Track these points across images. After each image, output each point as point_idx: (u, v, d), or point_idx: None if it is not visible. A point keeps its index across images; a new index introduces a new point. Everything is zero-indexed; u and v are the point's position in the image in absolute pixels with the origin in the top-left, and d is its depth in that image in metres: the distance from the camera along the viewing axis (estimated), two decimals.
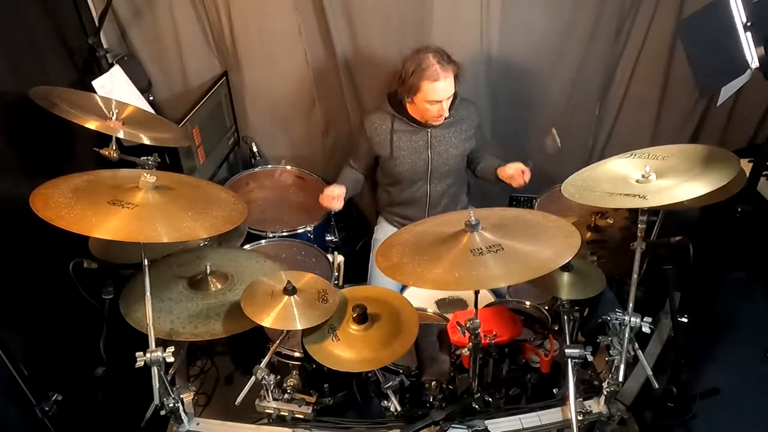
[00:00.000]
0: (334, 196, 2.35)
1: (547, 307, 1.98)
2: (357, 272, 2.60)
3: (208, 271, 1.80)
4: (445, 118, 2.37)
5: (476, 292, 1.56)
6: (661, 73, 2.67)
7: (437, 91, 2.20)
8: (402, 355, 1.63)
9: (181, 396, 1.57)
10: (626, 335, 1.54)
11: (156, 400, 1.47)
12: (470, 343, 1.60)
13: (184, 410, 1.60)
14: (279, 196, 2.88)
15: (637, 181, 1.58)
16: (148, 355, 1.44)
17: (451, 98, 2.29)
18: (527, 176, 2.30)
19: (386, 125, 2.41)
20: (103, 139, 1.87)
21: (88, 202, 1.44)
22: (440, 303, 2.28)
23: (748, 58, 1.54)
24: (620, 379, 1.57)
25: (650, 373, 1.57)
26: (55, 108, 1.77)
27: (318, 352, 1.62)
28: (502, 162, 2.43)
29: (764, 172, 1.74)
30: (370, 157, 2.53)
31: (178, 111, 2.47)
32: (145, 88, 2.55)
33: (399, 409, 1.67)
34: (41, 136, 1.98)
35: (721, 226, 1.71)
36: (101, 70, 2.28)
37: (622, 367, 1.55)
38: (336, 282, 2.36)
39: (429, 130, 2.39)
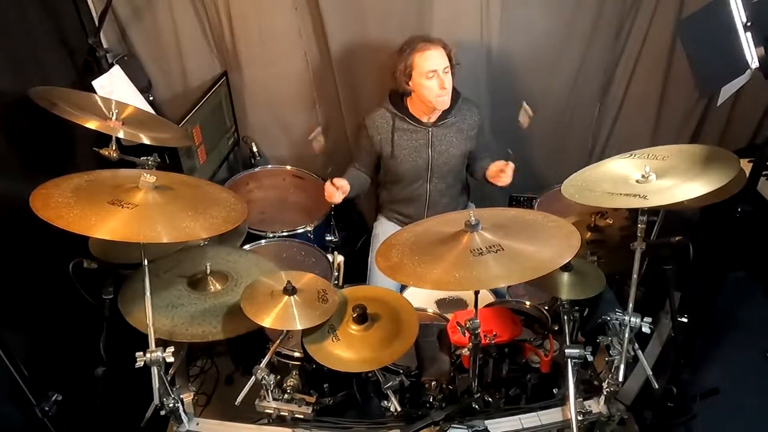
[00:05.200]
0: (337, 186, 2.29)
1: (547, 307, 1.98)
2: (357, 272, 2.60)
3: (208, 271, 1.80)
4: (447, 115, 2.36)
5: (476, 292, 1.56)
6: (661, 73, 2.67)
7: (429, 59, 2.19)
8: (402, 355, 1.63)
9: (181, 396, 1.57)
10: (626, 335, 1.54)
11: (156, 400, 1.47)
12: (470, 343, 1.60)
13: (184, 410, 1.60)
14: (279, 196, 2.88)
15: (637, 181, 1.58)
16: (148, 355, 1.44)
17: (449, 76, 2.25)
18: (509, 171, 2.25)
19: (387, 123, 2.41)
20: (103, 139, 1.87)
21: (88, 202, 1.44)
22: (440, 303, 2.28)
23: (748, 58, 1.54)
24: (620, 379, 1.57)
25: (650, 373, 1.57)
26: (55, 108, 1.77)
27: (318, 352, 1.62)
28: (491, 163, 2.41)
29: (764, 172, 1.74)
30: (372, 156, 2.52)
31: (178, 111, 2.47)
32: (145, 88, 2.55)
33: (399, 409, 1.67)
34: (41, 136, 1.98)
35: (721, 226, 1.71)
36: (101, 70, 2.28)
37: (622, 367, 1.55)
38: (336, 282, 2.36)
39: (430, 129, 2.39)
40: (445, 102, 2.31)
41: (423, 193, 2.53)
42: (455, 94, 2.38)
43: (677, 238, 1.69)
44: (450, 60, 2.25)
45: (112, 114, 1.91)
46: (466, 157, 2.52)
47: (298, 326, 1.58)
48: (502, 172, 2.27)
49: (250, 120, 2.88)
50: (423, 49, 2.20)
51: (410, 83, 2.28)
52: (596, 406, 1.68)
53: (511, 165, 2.26)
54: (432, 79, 2.22)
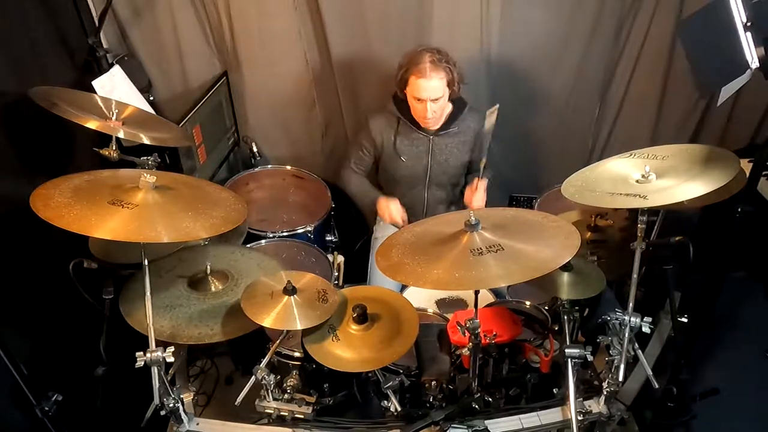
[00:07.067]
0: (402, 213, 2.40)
1: (547, 307, 1.98)
2: (357, 272, 2.60)
3: (209, 271, 1.80)
4: (450, 125, 2.35)
5: (476, 292, 1.56)
6: (661, 73, 2.67)
7: (422, 89, 2.17)
8: (402, 355, 1.63)
9: (181, 396, 1.57)
10: (626, 335, 1.55)
11: (156, 400, 1.47)
12: (470, 343, 1.60)
13: (184, 410, 1.60)
14: (279, 196, 2.88)
15: (637, 181, 1.58)
16: (148, 355, 1.44)
17: (440, 103, 2.23)
18: (480, 193, 2.32)
19: (392, 126, 2.40)
20: (103, 139, 1.87)
21: (88, 202, 1.44)
22: (440, 303, 2.28)
23: (748, 58, 1.54)
24: (620, 379, 1.57)
25: (650, 373, 1.57)
26: (55, 108, 1.77)
27: (318, 352, 1.62)
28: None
29: (764, 172, 1.74)
30: (369, 156, 2.52)
31: (178, 111, 2.47)
32: (145, 88, 2.55)
33: (399, 409, 1.67)
34: (41, 136, 1.98)
35: (721, 226, 1.71)
36: (101, 70, 2.28)
37: (622, 367, 1.55)
38: (336, 282, 2.36)
39: (431, 137, 2.38)
40: (428, 124, 2.32)
41: (420, 200, 2.52)
42: (462, 104, 2.37)
43: (677, 238, 1.69)
44: (450, 85, 2.22)
45: (112, 114, 1.91)
46: (465, 167, 2.51)
47: (298, 326, 1.58)
48: (473, 193, 2.32)
49: (250, 120, 2.88)
50: (421, 75, 2.15)
51: (404, 93, 2.29)
52: (596, 406, 1.68)
53: (483, 182, 2.31)
54: (418, 103, 2.22)
